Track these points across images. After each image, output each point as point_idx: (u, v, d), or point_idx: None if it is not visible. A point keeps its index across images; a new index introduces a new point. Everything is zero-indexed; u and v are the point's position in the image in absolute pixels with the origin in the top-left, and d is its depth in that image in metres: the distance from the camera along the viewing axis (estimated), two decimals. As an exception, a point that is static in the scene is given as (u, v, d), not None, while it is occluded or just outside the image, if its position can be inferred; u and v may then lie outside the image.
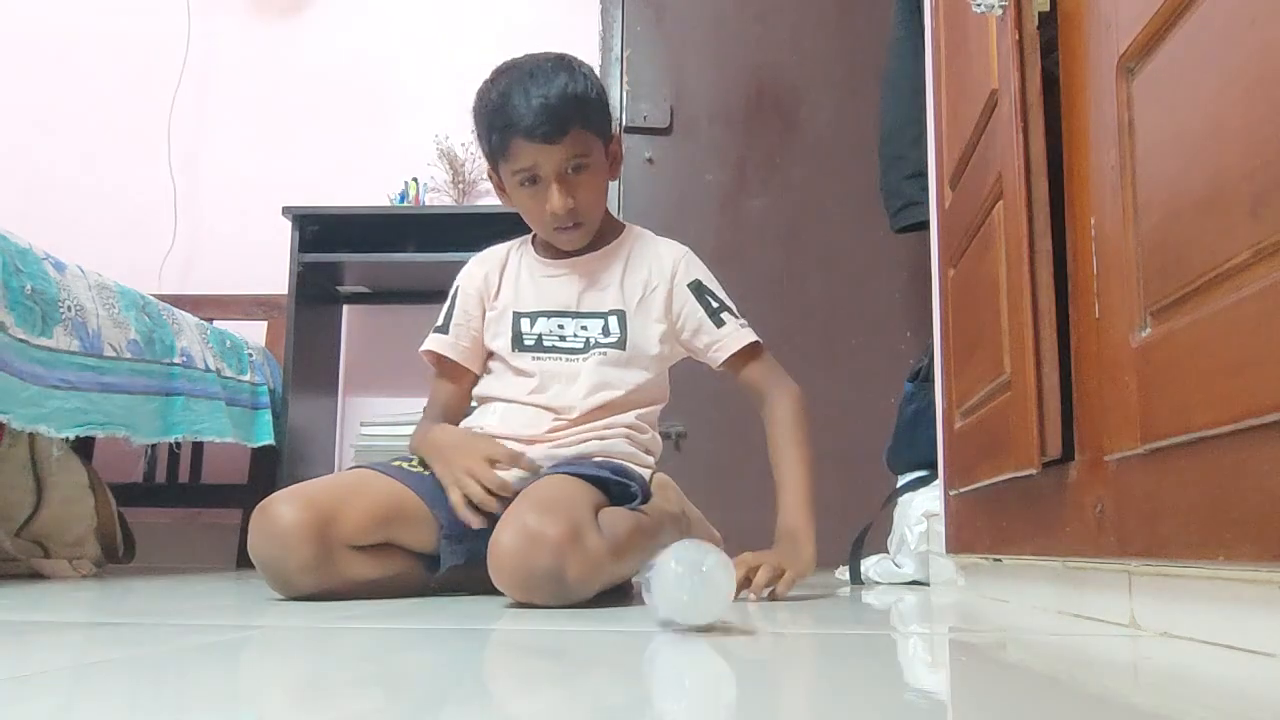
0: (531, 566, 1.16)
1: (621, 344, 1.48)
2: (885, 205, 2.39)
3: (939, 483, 1.81)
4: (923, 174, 1.98)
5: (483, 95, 1.42)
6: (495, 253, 1.60)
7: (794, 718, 0.53)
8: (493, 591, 1.23)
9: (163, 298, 2.35)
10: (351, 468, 1.60)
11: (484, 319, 1.55)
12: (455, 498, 1.33)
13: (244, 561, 2.63)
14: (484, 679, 0.71)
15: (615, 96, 2.99)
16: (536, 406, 1.47)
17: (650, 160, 3.00)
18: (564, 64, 1.40)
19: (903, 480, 2.05)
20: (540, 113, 1.35)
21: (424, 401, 2.87)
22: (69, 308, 1.80)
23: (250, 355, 2.59)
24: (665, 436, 1.59)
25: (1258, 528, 0.67)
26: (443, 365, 1.56)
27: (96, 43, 3.19)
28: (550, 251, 1.54)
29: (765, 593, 1.28)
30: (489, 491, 1.32)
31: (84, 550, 2.02)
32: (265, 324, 2.90)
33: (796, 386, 1.51)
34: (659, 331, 1.50)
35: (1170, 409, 0.79)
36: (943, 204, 1.71)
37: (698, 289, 1.52)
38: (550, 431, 1.45)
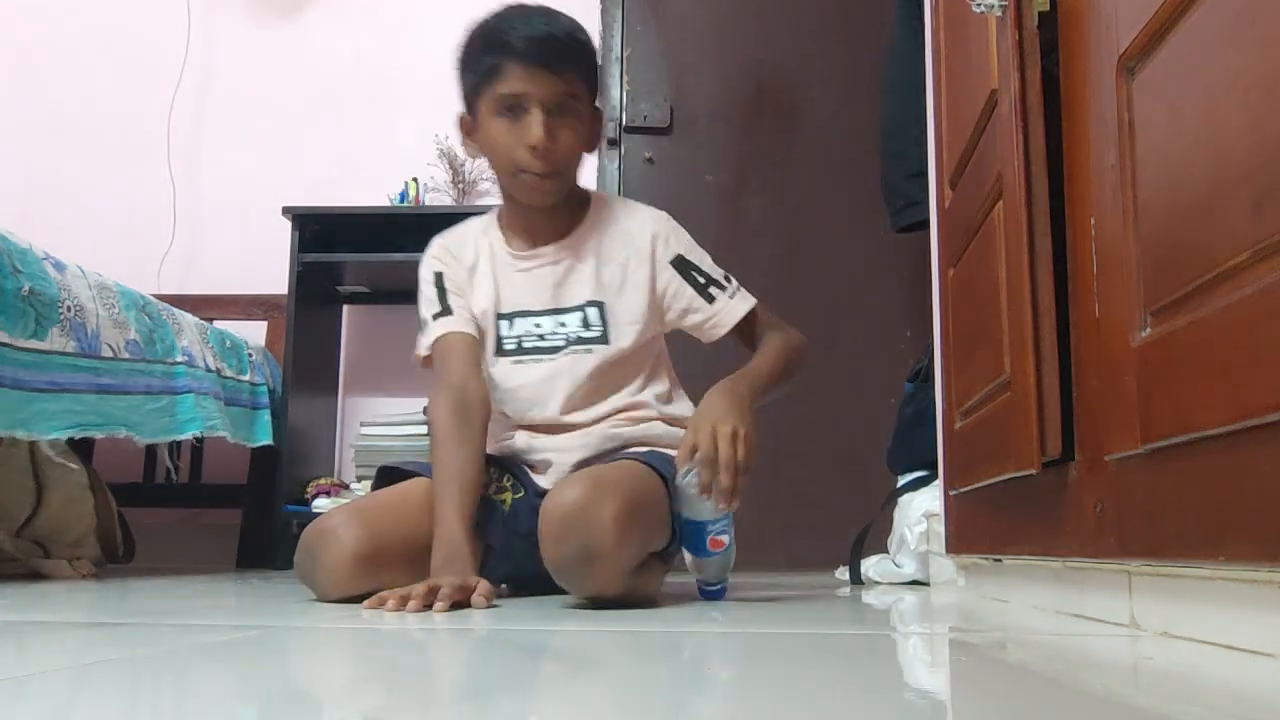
0: (586, 516, 1.15)
1: (604, 338, 1.42)
2: (886, 204, 2.39)
3: (939, 483, 1.80)
4: (923, 173, 1.98)
5: (476, 23, 1.38)
6: (462, 247, 1.50)
7: (794, 717, 0.53)
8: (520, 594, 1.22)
9: (162, 298, 2.35)
10: (406, 464, 1.45)
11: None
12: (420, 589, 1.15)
13: (244, 561, 2.64)
14: (484, 679, 0.71)
15: (615, 96, 2.99)
16: (521, 428, 1.45)
17: (650, 160, 3.00)
18: (568, 16, 1.39)
19: (903, 480, 2.05)
20: (544, 40, 1.33)
21: (424, 401, 2.86)
22: (68, 308, 1.80)
23: (250, 355, 2.59)
24: None
25: (1258, 528, 0.67)
26: (450, 348, 1.44)
27: (97, 43, 3.19)
28: (520, 240, 1.47)
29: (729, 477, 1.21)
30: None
31: (84, 550, 2.02)
32: (265, 324, 2.90)
33: (801, 335, 1.46)
34: (642, 311, 1.43)
35: (1170, 409, 0.79)
36: (943, 204, 1.71)
37: (681, 265, 1.44)
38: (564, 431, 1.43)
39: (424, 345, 1.47)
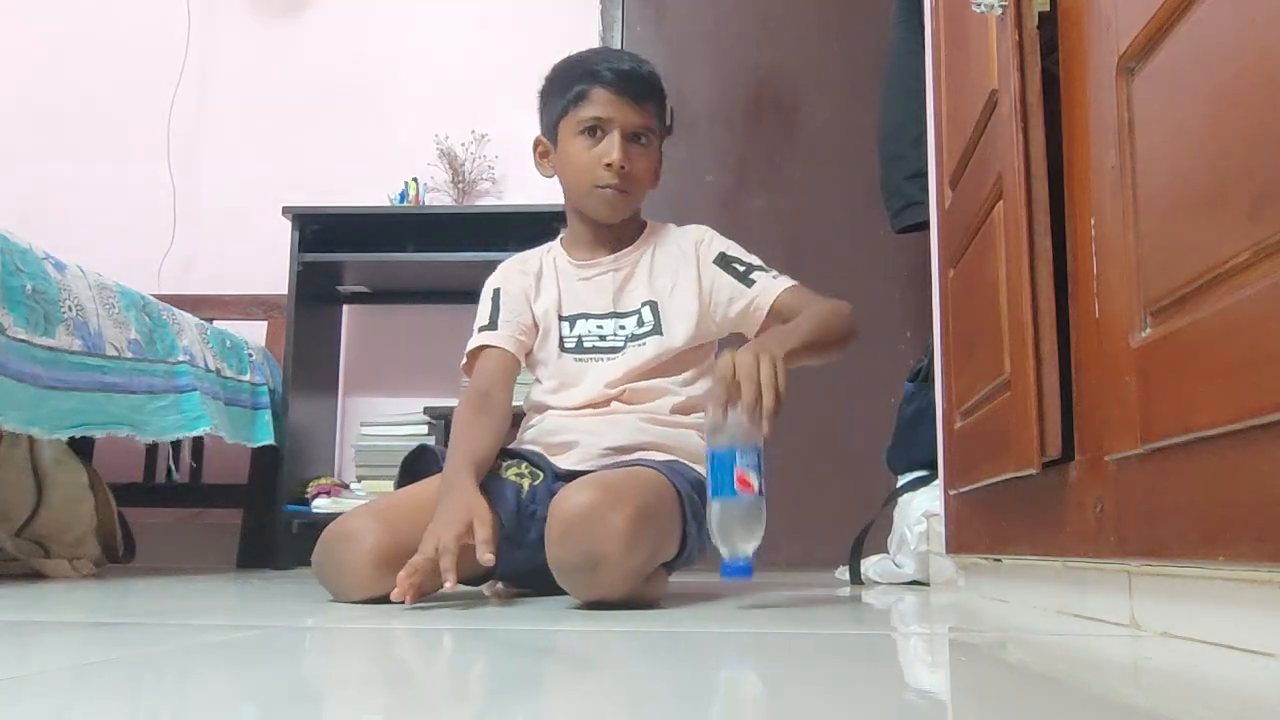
0: (594, 521, 1.16)
1: (658, 329, 1.49)
2: (886, 205, 2.39)
3: (939, 483, 1.81)
4: (923, 174, 1.98)
5: (564, 60, 1.52)
6: (527, 259, 1.60)
7: (794, 718, 0.53)
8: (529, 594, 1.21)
9: (162, 298, 2.35)
10: (422, 449, 1.50)
11: (531, 320, 1.53)
12: (419, 558, 1.18)
13: (244, 561, 2.64)
14: (484, 679, 0.71)
15: (615, 96, 2.99)
16: (553, 412, 1.48)
17: (650, 160, 2.99)
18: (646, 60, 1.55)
19: (903, 480, 2.05)
20: (629, 74, 1.47)
21: (423, 401, 2.86)
22: (70, 307, 1.80)
23: (250, 355, 2.59)
24: None
25: (1258, 528, 0.67)
26: (486, 359, 1.48)
27: (96, 43, 3.19)
28: (582, 252, 1.55)
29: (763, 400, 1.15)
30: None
31: (84, 550, 2.02)
32: (265, 324, 2.90)
33: (846, 304, 1.43)
34: (693, 315, 1.49)
35: (1170, 409, 0.79)
36: (943, 204, 1.71)
37: (723, 261, 1.52)
38: (607, 411, 1.45)
39: (476, 343, 1.52)
